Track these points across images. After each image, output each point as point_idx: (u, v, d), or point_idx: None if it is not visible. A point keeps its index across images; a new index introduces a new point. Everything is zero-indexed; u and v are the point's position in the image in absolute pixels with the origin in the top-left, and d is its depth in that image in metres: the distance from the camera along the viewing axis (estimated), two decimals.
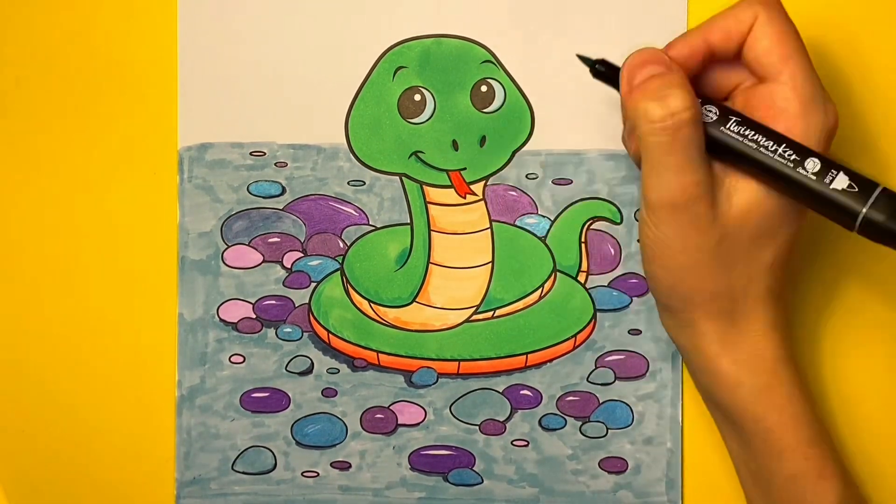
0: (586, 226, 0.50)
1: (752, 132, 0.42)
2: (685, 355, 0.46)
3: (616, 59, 0.49)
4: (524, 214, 0.50)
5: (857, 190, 0.40)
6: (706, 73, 0.44)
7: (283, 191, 0.50)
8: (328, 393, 0.51)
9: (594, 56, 0.45)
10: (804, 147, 0.41)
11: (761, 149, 0.41)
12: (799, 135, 0.42)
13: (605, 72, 0.45)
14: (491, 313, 0.50)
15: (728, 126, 0.42)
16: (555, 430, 0.50)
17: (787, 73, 0.42)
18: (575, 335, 0.50)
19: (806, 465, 0.44)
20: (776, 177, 0.41)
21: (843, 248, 0.49)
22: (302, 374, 0.51)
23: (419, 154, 0.50)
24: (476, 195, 0.50)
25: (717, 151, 0.43)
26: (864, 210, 0.40)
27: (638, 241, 0.49)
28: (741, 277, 0.43)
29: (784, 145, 0.41)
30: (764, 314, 0.44)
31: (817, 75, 0.42)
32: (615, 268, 0.50)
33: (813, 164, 0.41)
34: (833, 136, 0.42)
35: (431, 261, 0.50)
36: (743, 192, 0.43)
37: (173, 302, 0.51)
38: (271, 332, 0.51)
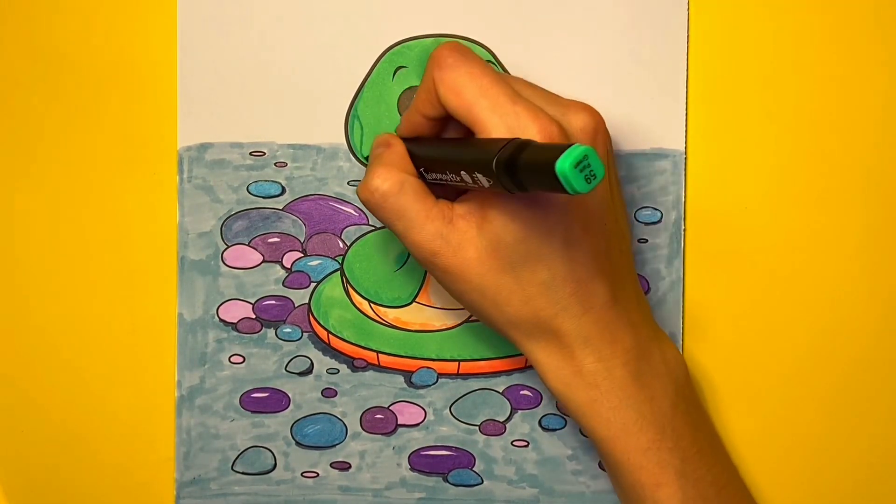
0: None
1: (437, 174, 0.44)
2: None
3: (616, 60, 0.49)
4: None
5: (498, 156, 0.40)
6: (454, 128, 0.46)
7: (283, 191, 0.50)
8: (328, 393, 0.51)
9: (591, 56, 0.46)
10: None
11: (448, 179, 0.43)
12: None
13: None
14: None
15: (428, 176, 0.45)
16: (555, 430, 0.50)
17: (476, 121, 0.42)
18: None
19: (642, 475, 0.44)
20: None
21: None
22: (302, 374, 0.51)
23: None
24: None
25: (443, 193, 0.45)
26: (495, 158, 0.39)
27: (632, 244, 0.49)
28: (526, 302, 0.43)
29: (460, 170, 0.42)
30: (573, 329, 0.44)
31: (513, 100, 0.42)
32: None
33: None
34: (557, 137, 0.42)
35: None
36: (483, 232, 0.43)
37: (173, 302, 0.51)
38: (271, 332, 0.51)
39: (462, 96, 0.43)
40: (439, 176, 0.44)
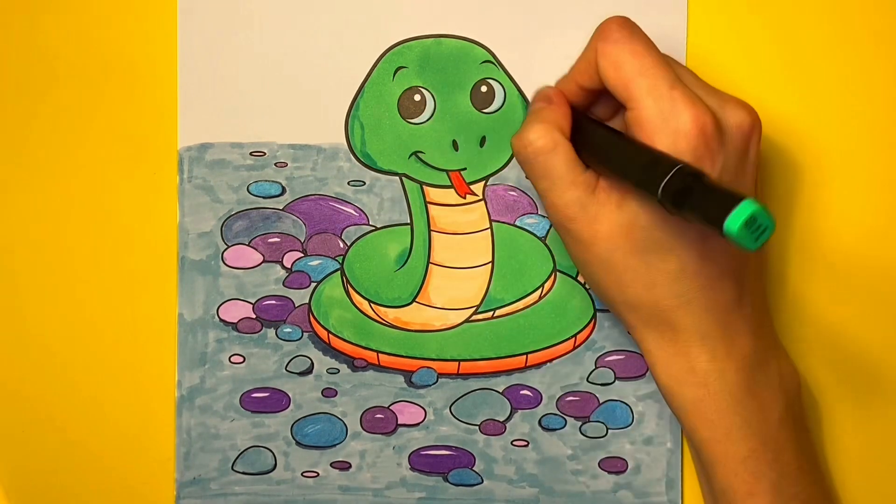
0: None
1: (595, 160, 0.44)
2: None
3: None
4: (524, 214, 0.50)
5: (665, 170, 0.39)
6: (606, 101, 0.46)
7: (283, 191, 0.50)
8: (328, 393, 0.51)
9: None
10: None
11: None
12: (663, 149, 0.41)
13: None
14: (491, 313, 0.50)
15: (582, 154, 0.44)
16: (555, 430, 0.50)
17: (631, 98, 0.42)
18: (575, 335, 0.50)
19: (735, 482, 0.44)
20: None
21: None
22: (302, 374, 0.51)
23: (419, 154, 0.50)
24: (476, 195, 0.50)
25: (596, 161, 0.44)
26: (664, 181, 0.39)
27: None
28: (650, 288, 0.43)
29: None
30: (692, 325, 0.43)
31: (672, 84, 0.42)
32: None
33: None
34: (705, 138, 0.41)
35: (431, 261, 0.50)
36: (621, 210, 0.43)
37: (173, 302, 0.51)
38: (271, 332, 0.51)
39: (621, 72, 0.42)
40: (599, 160, 0.44)
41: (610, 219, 0.43)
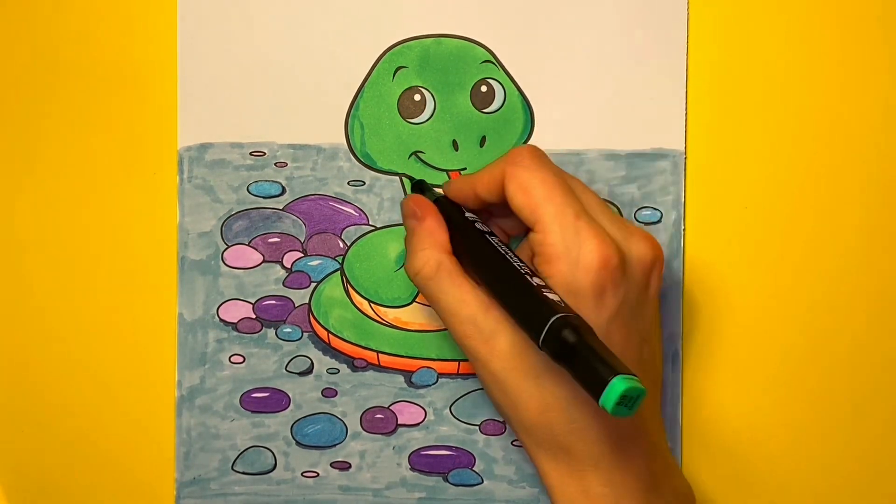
0: None
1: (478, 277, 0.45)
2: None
3: (616, 59, 0.49)
4: None
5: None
6: (506, 214, 0.46)
7: (283, 191, 0.50)
8: (328, 393, 0.51)
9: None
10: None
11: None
12: (562, 277, 0.42)
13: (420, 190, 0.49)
14: None
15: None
16: None
17: (537, 223, 0.43)
18: None
19: None
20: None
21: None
22: (302, 374, 0.51)
23: (419, 154, 0.50)
24: None
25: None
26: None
27: None
28: (543, 413, 0.43)
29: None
30: (586, 450, 0.43)
31: (577, 215, 0.43)
32: None
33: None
34: (609, 271, 0.42)
35: None
36: (516, 330, 0.43)
37: (173, 302, 0.51)
38: (271, 332, 0.51)
39: (530, 196, 0.43)
40: (481, 280, 0.44)
41: (504, 338, 0.43)
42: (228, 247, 0.51)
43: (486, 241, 0.45)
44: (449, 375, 0.50)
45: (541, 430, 0.43)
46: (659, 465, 0.45)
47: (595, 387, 0.37)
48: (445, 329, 0.49)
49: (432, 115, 0.50)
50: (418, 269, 0.45)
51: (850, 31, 0.49)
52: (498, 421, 0.50)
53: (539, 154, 0.45)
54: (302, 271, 0.51)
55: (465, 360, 0.50)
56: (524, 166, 0.44)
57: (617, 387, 0.36)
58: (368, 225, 0.50)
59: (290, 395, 0.51)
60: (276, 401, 0.51)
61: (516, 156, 0.44)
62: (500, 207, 0.46)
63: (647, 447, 0.44)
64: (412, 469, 0.51)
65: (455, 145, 0.50)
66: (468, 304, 0.44)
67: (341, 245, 0.50)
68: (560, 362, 0.38)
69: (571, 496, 0.43)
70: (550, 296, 0.41)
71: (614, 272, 0.42)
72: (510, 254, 0.44)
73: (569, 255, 0.42)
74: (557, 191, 0.43)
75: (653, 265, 0.44)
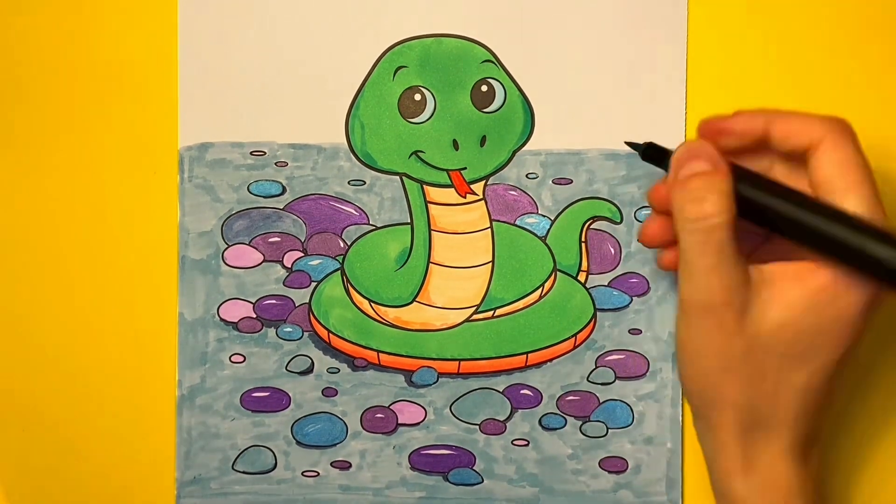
0: (586, 225, 0.50)
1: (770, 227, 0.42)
2: (707, 464, 0.44)
3: (616, 59, 0.49)
4: (524, 214, 0.50)
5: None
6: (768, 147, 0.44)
7: (284, 190, 0.50)
8: (328, 392, 0.51)
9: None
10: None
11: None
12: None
13: (653, 154, 0.46)
14: (491, 313, 0.50)
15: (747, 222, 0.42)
16: (555, 429, 0.50)
17: (845, 203, 0.41)
18: (575, 335, 0.50)
19: None
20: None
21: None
22: (302, 373, 0.51)
23: (419, 154, 0.50)
24: (476, 195, 0.50)
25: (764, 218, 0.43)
26: None
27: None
28: (767, 395, 0.42)
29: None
30: (788, 439, 0.42)
31: (880, 206, 0.42)
32: (615, 267, 0.50)
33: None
34: None
35: (432, 260, 0.50)
36: (778, 306, 0.41)
37: (173, 302, 0.51)
38: (271, 331, 0.51)
39: (848, 174, 0.42)
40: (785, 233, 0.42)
41: (764, 313, 0.41)
42: (229, 246, 0.51)
43: (787, 191, 0.42)
44: (449, 375, 0.50)
45: (757, 412, 0.42)
46: (818, 470, 0.44)
47: None
48: (446, 328, 0.49)
49: (432, 114, 0.50)
50: (712, 213, 0.41)
51: (850, 32, 0.49)
52: (498, 420, 0.50)
53: (857, 140, 0.43)
54: (302, 271, 0.51)
55: (465, 360, 0.50)
56: (849, 137, 0.42)
57: None
58: (369, 224, 0.50)
59: (291, 395, 0.51)
60: (276, 400, 0.51)
61: (844, 126, 0.42)
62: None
63: (820, 450, 0.44)
64: (412, 468, 0.51)
65: (455, 145, 0.50)
66: (741, 267, 0.41)
67: (342, 244, 0.51)
68: None
69: (758, 483, 0.42)
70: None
71: None
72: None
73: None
74: (868, 172, 0.42)
75: None
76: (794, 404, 0.42)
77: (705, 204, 0.41)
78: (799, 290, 0.41)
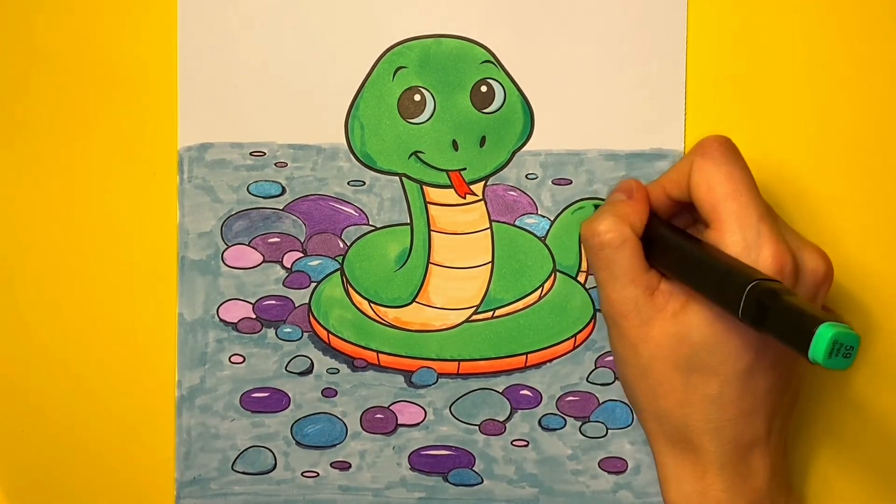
0: None
1: (668, 267, 0.44)
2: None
3: (616, 59, 0.49)
4: (524, 214, 0.50)
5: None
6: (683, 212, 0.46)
7: (283, 191, 0.50)
8: (328, 393, 0.51)
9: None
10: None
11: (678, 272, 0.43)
12: None
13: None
14: (491, 313, 0.50)
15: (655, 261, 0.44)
16: (555, 430, 0.50)
17: (717, 220, 0.42)
18: (575, 335, 0.50)
19: None
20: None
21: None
22: (302, 374, 0.51)
23: (419, 154, 0.50)
24: (476, 195, 0.50)
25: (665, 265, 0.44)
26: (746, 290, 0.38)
27: None
28: (681, 405, 0.43)
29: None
30: (715, 452, 0.43)
31: (761, 216, 0.42)
32: None
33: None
34: (786, 274, 0.41)
35: (431, 261, 0.50)
36: (676, 319, 0.43)
37: (173, 302, 0.51)
38: (271, 332, 0.51)
39: (713, 192, 0.43)
40: (669, 266, 0.44)
41: (662, 326, 0.43)
42: (228, 247, 0.51)
43: (677, 230, 0.45)
44: (449, 375, 0.50)
45: (675, 424, 0.43)
46: (778, 481, 0.44)
47: (800, 340, 0.35)
48: (445, 329, 0.49)
49: (432, 115, 0.50)
50: (602, 231, 0.44)
51: (850, 31, 0.49)
52: (498, 421, 0.50)
53: (729, 147, 0.44)
54: (302, 271, 0.51)
55: (465, 360, 0.50)
56: (712, 158, 0.43)
57: (824, 334, 0.34)
58: (368, 225, 0.50)
59: (290, 395, 0.51)
60: (276, 401, 0.51)
61: (706, 146, 0.43)
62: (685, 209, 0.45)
63: (772, 461, 0.44)
64: (412, 469, 0.51)
65: (455, 145, 0.50)
66: (637, 283, 0.43)
67: (341, 245, 0.50)
68: (760, 326, 0.37)
69: (687, 494, 0.43)
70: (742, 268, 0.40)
71: (787, 279, 0.41)
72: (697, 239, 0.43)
73: (747, 257, 0.41)
74: (743, 188, 0.42)
75: (824, 279, 0.43)
76: (713, 415, 0.43)
77: (597, 223, 0.44)
78: (696, 304, 0.42)
